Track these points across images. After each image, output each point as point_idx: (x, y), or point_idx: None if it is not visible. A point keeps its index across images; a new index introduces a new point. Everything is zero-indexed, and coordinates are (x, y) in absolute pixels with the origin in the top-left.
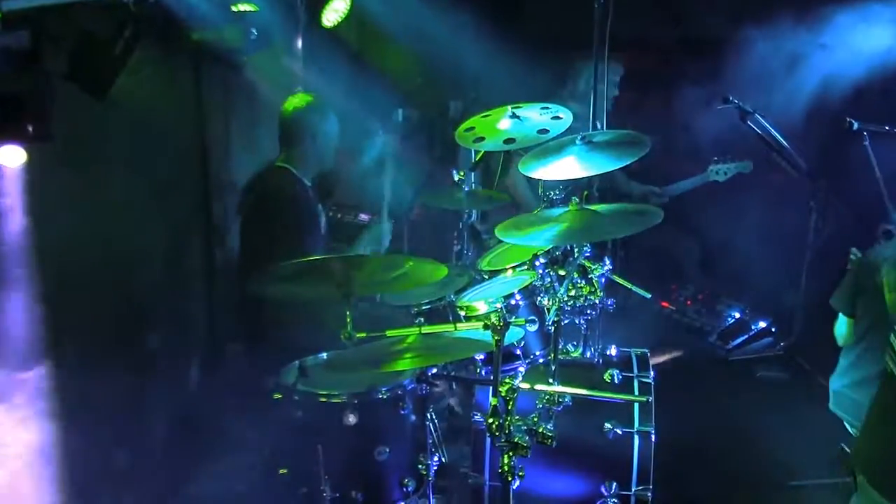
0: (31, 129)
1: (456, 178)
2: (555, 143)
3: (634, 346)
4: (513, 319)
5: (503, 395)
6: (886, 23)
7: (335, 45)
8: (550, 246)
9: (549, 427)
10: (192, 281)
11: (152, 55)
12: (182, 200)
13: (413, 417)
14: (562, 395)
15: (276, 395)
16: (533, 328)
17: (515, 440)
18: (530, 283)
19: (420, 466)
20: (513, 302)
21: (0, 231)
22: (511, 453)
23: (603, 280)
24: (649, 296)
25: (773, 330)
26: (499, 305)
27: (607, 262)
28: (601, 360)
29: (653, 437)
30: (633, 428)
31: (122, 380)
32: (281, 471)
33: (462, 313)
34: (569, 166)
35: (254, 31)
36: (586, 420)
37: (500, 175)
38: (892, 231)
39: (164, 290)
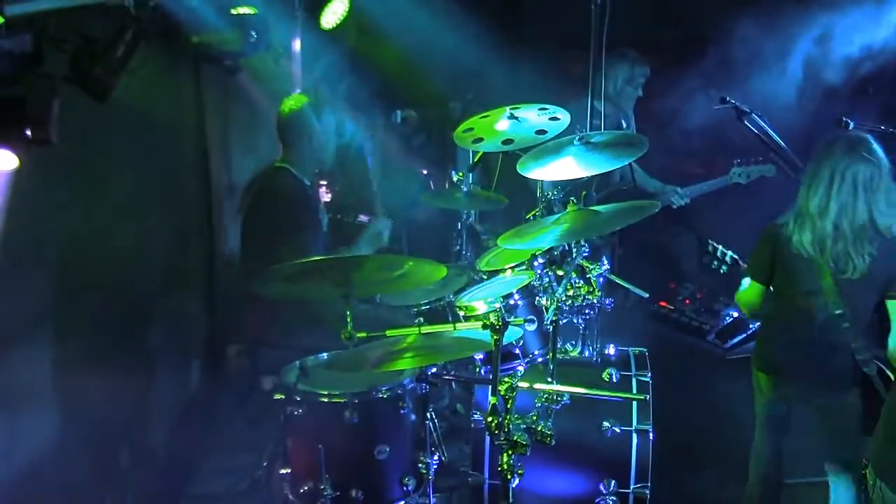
0: (30, 133)
1: (455, 178)
2: (553, 144)
3: (632, 346)
4: (511, 319)
5: (502, 394)
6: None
7: (334, 47)
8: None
9: (547, 425)
10: (193, 281)
11: (153, 58)
12: (182, 201)
13: (413, 416)
14: (560, 393)
15: (277, 395)
16: (532, 327)
17: (515, 439)
18: (529, 283)
19: (420, 465)
20: (511, 302)
21: None
22: (510, 452)
23: (601, 280)
24: (647, 295)
25: None
26: (498, 305)
27: (605, 261)
28: (599, 359)
29: (651, 435)
30: (631, 426)
31: (122, 379)
32: (282, 470)
33: (461, 313)
34: (567, 167)
35: (253, 33)
36: (585, 418)
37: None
38: None
39: (165, 291)
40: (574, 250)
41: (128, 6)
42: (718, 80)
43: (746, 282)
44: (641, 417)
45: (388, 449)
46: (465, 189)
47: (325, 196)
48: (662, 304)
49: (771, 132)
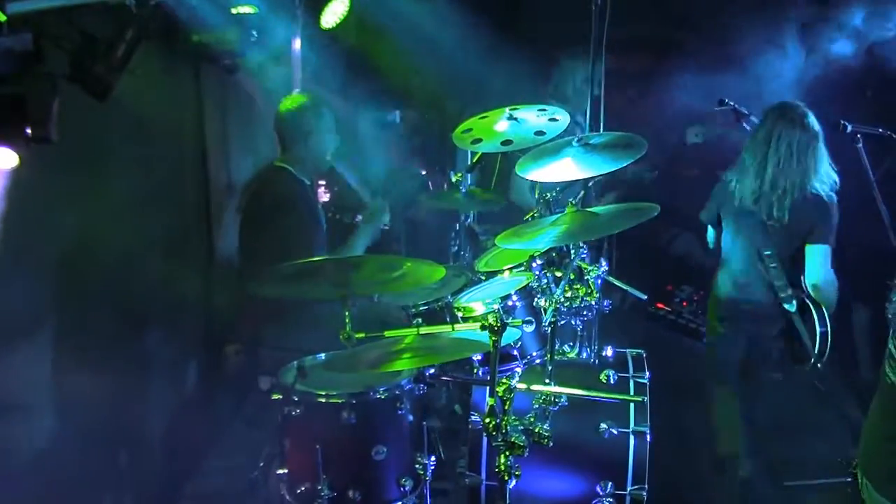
0: (30, 131)
1: (453, 179)
2: (552, 145)
3: (630, 347)
4: (510, 320)
5: (500, 395)
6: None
7: (334, 47)
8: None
9: (545, 427)
10: (191, 281)
11: (153, 57)
12: (181, 200)
13: (411, 417)
14: (558, 395)
15: (275, 395)
16: (530, 329)
17: (512, 440)
18: (527, 285)
19: (417, 466)
20: (510, 303)
21: None
22: (508, 453)
23: (599, 281)
24: (645, 297)
25: None
26: (496, 306)
27: (603, 263)
28: (597, 361)
29: (648, 437)
30: (628, 428)
31: (120, 379)
32: (279, 470)
33: (459, 314)
34: (565, 168)
35: (254, 32)
36: (582, 420)
37: (497, 178)
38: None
39: (163, 290)
40: (572, 252)
41: (129, 5)
42: (716, 82)
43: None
44: (639, 419)
45: (385, 449)
46: (463, 190)
47: (324, 196)
48: (660, 305)
49: None
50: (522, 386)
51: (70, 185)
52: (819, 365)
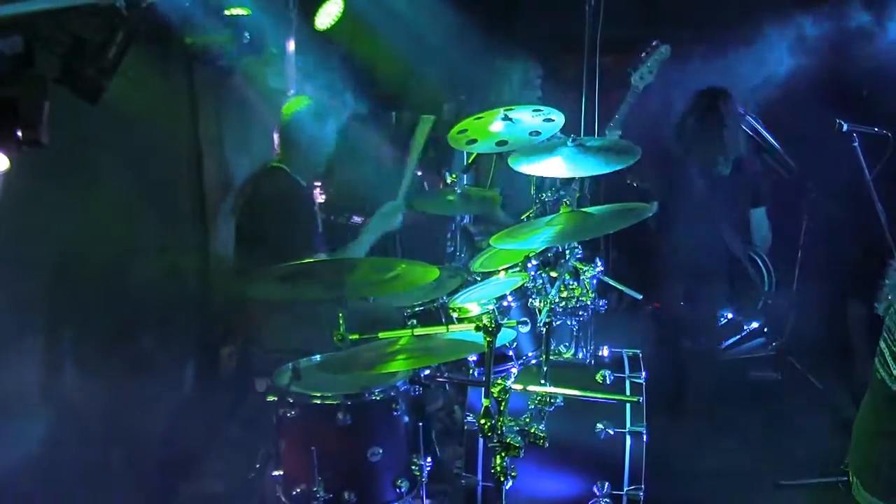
0: (21, 134)
1: (448, 180)
2: (546, 144)
3: (626, 347)
4: (505, 321)
5: (495, 396)
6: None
7: (327, 48)
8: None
9: (541, 428)
10: (186, 282)
11: (145, 59)
12: (176, 202)
13: (406, 418)
14: (554, 395)
15: (270, 397)
16: (525, 329)
17: (508, 441)
18: (522, 285)
19: (413, 467)
20: (505, 303)
21: None
22: (503, 454)
23: (594, 281)
24: (641, 297)
25: (765, 330)
26: (491, 307)
27: (599, 263)
28: (593, 361)
29: (644, 437)
30: (624, 428)
31: (114, 381)
32: (274, 472)
33: (454, 315)
34: (557, 166)
35: (246, 34)
36: (578, 421)
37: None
38: None
39: (158, 292)
40: (567, 252)
41: (119, 7)
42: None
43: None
44: (635, 419)
45: (381, 451)
46: (458, 190)
47: (319, 197)
48: (656, 305)
49: (764, 133)
50: (518, 387)
51: (62, 188)
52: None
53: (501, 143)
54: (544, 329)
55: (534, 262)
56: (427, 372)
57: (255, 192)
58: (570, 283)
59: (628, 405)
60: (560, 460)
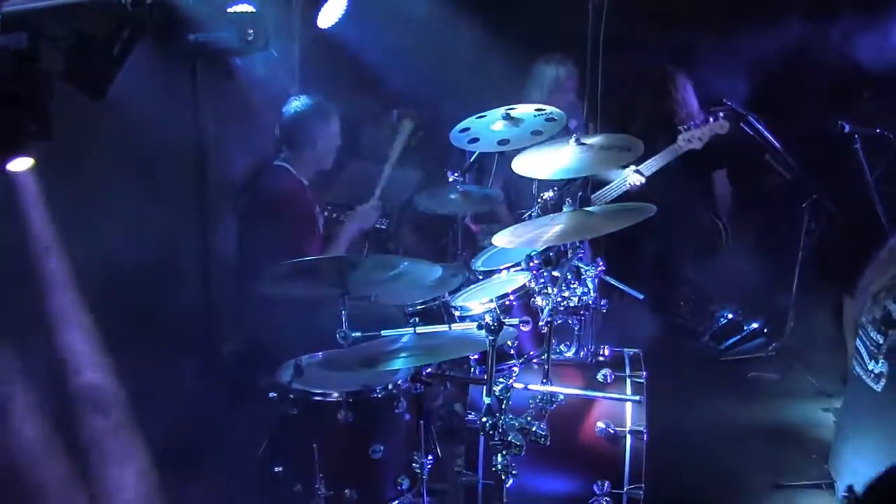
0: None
1: (450, 179)
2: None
3: (627, 347)
4: (507, 320)
5: (497, 394)
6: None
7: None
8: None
9: (542, 426)
10: (188, 279)
11: (150, 56)
12: (178, 199)
13: (407, 416)
14: (555, 394)
15: (272, 394)
16: (526, 328)
17: (509, 439)
18: (524, 284)
19: (414, 465)
20: (507, 302)
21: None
22: (504, 452)
23: (596, 281)
24: (642, 296)
25: (766, 331)
26: (493, 306)
27: (600, 263)
28: (594, 360)
29: (645, 436)
30: (625, 427)
31: (117, 377)
32: (276, 468)
33: (456, 313)
34: (562, 166)
35: (250, 31)
36: (579, 419)
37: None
38: None
39: (160, 289)
40: (569, 251)
41: (124, 3)
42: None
43: None
44: (636, 418)
45: (382, 448)
46: (460, 189)
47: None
48: None
49: (767, 134)
50: (519, 385)
51: (65, 183)
52: None
53: (503, 142)
54: (546, 328)
55: (536, 261)
56: (429, 370)
57: (257, 190)
58: (572, 282)
59: (629, 404)
60: (561, 459)
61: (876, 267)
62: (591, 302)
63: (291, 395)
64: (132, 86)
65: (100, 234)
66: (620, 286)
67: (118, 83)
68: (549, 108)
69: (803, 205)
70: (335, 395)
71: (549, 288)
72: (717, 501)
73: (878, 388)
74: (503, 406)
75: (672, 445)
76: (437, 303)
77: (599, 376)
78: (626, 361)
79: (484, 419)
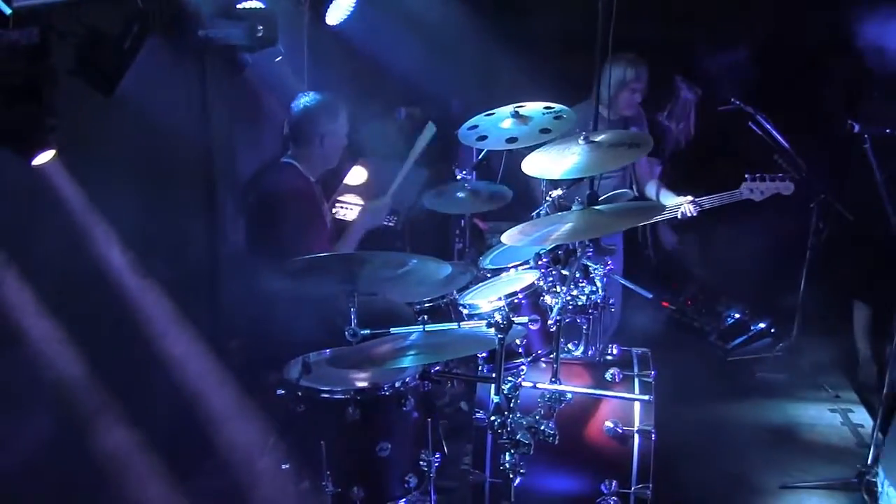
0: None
1: (458, 176)
2: (558, 142)
3: (635, 346)
4: (515, 318)
5: (505, 392)
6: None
7: (339, 43)
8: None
9: (550, 425)
10: (196, 276)
11: (159, 51)
12: (187, 196)
13: (415, 414)
14: (563, 393)
15: (279, 391)
16: (535, 327)
17: (517, 438)
18: (533, 282)
19: (422, 463)
20: (515, 300)
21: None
22: (513, 451)
23: (604, 279)
24: (650, 295)
25: (773, 331)
26: (501, 304)
27: (609, 261)
28: (602, 359)
29: (653, 435)
30: (633, 426)
31: (126, 375)
32: (283, 466)
33: (464, 311)
34: (572, 165)
35: (259, 28)
36: (587, 418)
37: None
38: None
39: (168, 285)
40: (578, 250)
41: None
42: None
43: None
44: (644, 418)
45: (389, 446)
46: (468, 187)
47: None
48: (665, 304)
49: (775, 133)
50: (528, 384)
51: (73, 179)
52: None
53: (512, 139)
54: (555, 326)
55: (544, 259)
56: (437, 368)
57: (265, 186)
58: (581, 280)
59: (637, 403)
60: (568, 458)
61: None
62: (599, 301)
63: (299, 393)
64: (142, 81)
65: (106, 229)
66: (629, 285)
67: (128, 78)
68: (556, 106)
69: (811, 205)
70: (343, 392)
71: (557, 286)
72: (724, 501)
73: None
74: (512, 404)
75: (679, 445)
76: (445, 300)
77: (608, 375)
78: (635, 360)
79: (493, 417)
